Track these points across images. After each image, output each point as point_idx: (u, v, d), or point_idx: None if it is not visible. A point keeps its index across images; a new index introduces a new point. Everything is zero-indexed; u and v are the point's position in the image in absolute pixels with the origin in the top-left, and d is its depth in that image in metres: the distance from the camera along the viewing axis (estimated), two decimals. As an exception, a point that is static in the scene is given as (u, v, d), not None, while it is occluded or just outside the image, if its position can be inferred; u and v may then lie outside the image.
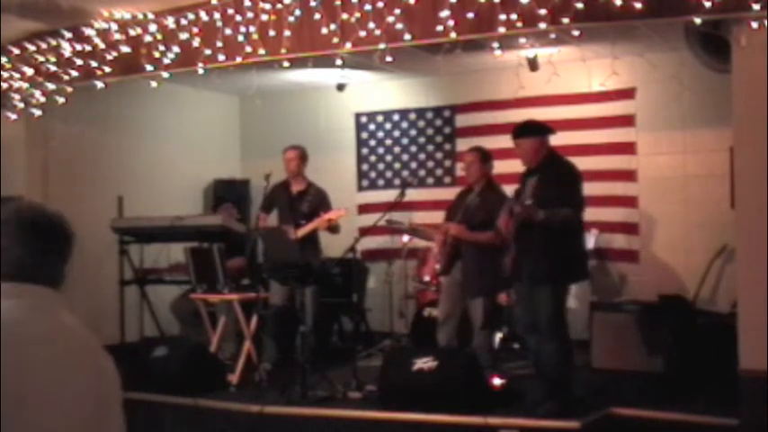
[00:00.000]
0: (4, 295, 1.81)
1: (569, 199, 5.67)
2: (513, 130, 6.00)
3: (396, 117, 9.67)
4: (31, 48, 7.46)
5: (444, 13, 5.75)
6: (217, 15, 6.60)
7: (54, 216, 1.95)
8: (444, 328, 6.86)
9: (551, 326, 5.67)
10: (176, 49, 6.81)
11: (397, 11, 5.92)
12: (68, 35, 7.26)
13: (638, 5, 5.21)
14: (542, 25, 5.52)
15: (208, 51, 6.63)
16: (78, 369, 1.83)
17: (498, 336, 7.55)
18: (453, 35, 5.79)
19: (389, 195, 8.53)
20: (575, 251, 5.81)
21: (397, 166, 9.64)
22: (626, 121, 8.39)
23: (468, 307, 6.80)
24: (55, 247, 1.92)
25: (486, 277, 6.60)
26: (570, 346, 5.87)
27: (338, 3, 6.10)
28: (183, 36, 6.75)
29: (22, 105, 7.60)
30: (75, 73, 7.24)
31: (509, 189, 6.34)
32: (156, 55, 6.89)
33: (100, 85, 7.22)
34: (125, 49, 7.05)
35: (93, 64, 7.14)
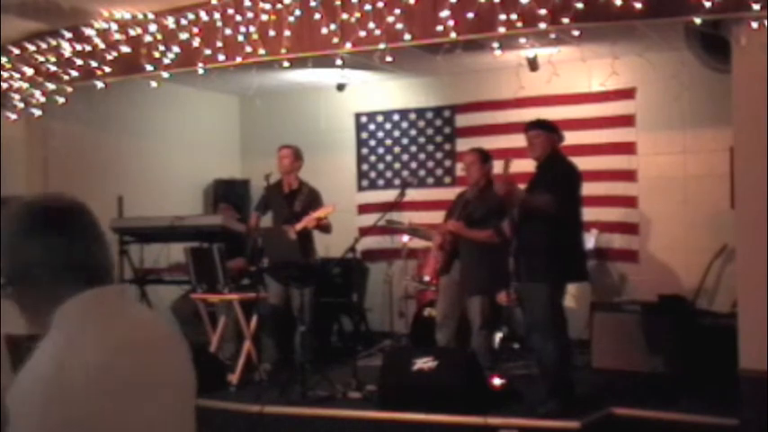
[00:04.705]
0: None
1: (553, 194, 5.67)
2: (527, 123, 6.12)
3: (396, 117, 9.67)
4: (31, 48, 7.46)
5: (444, 13, 5.76)
6: (217, 15, 6.60)
7: (59, 199, 1.71)
8: (443, 330, 6.84)
9: (547, 324, 5.67)
10: (176, 49, 6.82)
11: (397, 11, 5.92)
12: (68, 35, 7.26)
13: (638, 5, 5.21)
14: (542, 25, 5.52)
15: (208, 51, 6.63)
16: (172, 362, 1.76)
17: (498, 336, 7.54)
18: (453, 35, 5.79)
19: (389, 195, 8.53)
20: (570, 250, 5.80)
21: (397, 166, 9.63)
22: (626, 121, 8.39)
23: (467, 306, 6.79)
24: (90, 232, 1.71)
25: (485, 275, 6.63)
26: (569, 345, 5.87)
27: (338, 3, 6.11)
28: (183, 36, 6.75)
29: (22, 105, 7.60)
30: (75, 73, 7.24)
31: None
32: (156, 55, 6.89)
33: (100, 85, 7.22)
34: (125, 49, 7.05)
35: (93, 64, 7.15)
